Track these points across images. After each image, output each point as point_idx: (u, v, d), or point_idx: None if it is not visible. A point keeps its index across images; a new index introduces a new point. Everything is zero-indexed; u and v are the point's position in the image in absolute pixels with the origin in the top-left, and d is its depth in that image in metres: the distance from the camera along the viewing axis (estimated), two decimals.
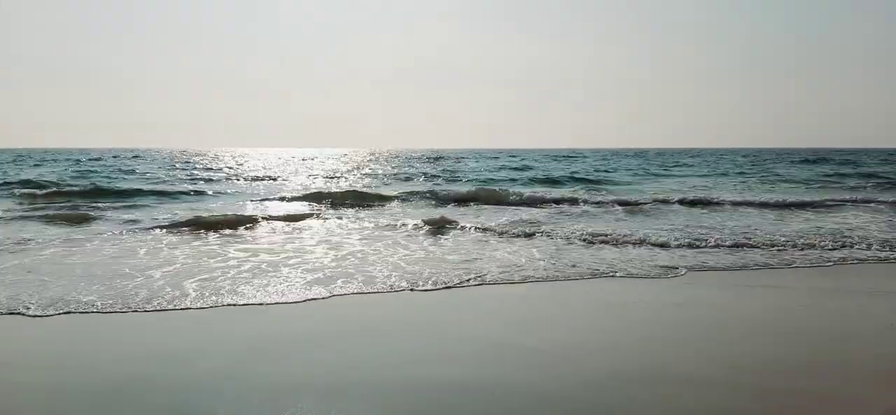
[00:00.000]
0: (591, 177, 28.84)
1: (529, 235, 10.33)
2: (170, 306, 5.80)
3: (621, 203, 15.62)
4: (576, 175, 28.98)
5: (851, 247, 9.19)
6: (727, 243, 9.43)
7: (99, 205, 15.54)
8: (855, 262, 8.25)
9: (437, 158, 55.57)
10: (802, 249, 8.98)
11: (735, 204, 15.58)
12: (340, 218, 13.30)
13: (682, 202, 15.68)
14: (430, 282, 6.86)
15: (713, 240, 9.78)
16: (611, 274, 7.43)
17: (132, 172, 30.27)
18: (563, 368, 4.37)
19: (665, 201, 15.92)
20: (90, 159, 45.08)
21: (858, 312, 5.91)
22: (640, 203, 15.62)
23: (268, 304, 5.97)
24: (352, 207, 15.95)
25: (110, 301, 5.89)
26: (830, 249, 8.99)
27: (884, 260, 8.42)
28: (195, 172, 31.89)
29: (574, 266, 7.83)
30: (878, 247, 9.16)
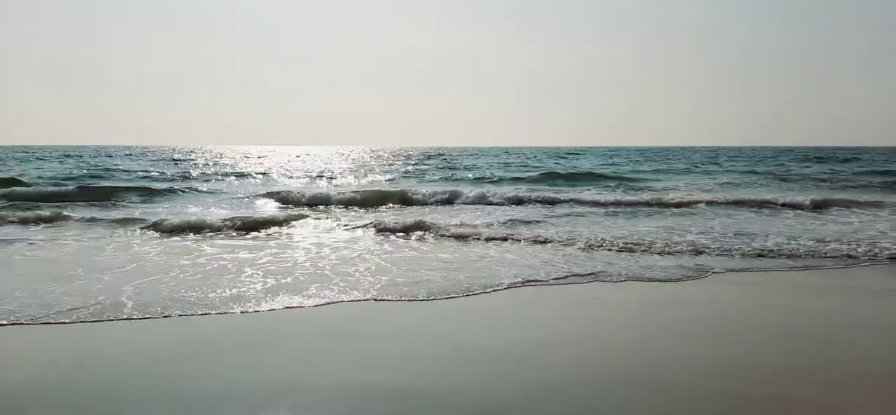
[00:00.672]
0: (602, 172, 28.26)
1: (505, 239, 9.63)
2: (91, 318, 5.30)
3: (618, 203, 15.06)
4: (577, 172, 28.39)
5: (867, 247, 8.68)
6: (715, 246, 9.00)
7: (79, 204, 15.16)
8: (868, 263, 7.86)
9: (435, 155, 55.02)
10: (786, 257, 8.52)
11: (731, 203, 15.05)
12: (319, 218, 12.75)
13: (661, 203, 15.02)
14: (397, 288, 6.42)
15: (703, 241, 9.37)
16: (598, 277, 7.00)
17: (122, 170, 29.74)
18: (525, 373, 4.03)
19: (650, 203, 15.32)
20: (80, 156, 44.64)
21: (858, 312, 5.50)
22: (636, 204, 15.04)
23: (200, 315, 5.42)
24: (337, 205, 15.43)
25: (30, 311, 5.34)
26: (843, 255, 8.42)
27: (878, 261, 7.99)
28: (184, 170, 31.30)
29: (559, 269, 7.41)
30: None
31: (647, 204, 14.76)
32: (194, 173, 28.18)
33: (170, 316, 5.26)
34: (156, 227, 10.66)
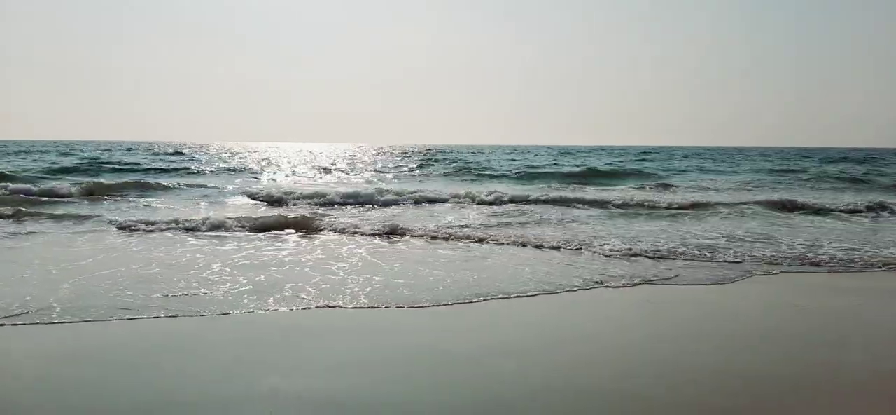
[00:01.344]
0: (622, 170, 27.37)
1: (482, 241, 8.52)
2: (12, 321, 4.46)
3: (614, 203, 13.95)
4: (571, 171, 27.29)
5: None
6: (743, 248, 8.16)
7: (57, 198, 14.35)
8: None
9: (444, 151, 54.00)
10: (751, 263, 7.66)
11: (730, 205, 13.81)
12: (298, 219, 11.26)
13: (678, 206, 13.93)
14: (353, 297, 5.33)
15: (725, 243, 8.53)
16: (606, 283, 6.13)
17: (115, 161, 28.81)
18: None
19: (668, 206, 14.34)
20: (82, 152, 43.88)
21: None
22: (655, 206, 13.81)
23: (128, 319, 4.52)
24: (325, 205, 14.15)
25: None
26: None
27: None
28: (178, 164, 30.28)
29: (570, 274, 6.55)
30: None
31: (661, 207, 13.58)
32: (190, 167, 27.19)
33: (85, 321, 4.43)
34: (127, 227, 9.61)
